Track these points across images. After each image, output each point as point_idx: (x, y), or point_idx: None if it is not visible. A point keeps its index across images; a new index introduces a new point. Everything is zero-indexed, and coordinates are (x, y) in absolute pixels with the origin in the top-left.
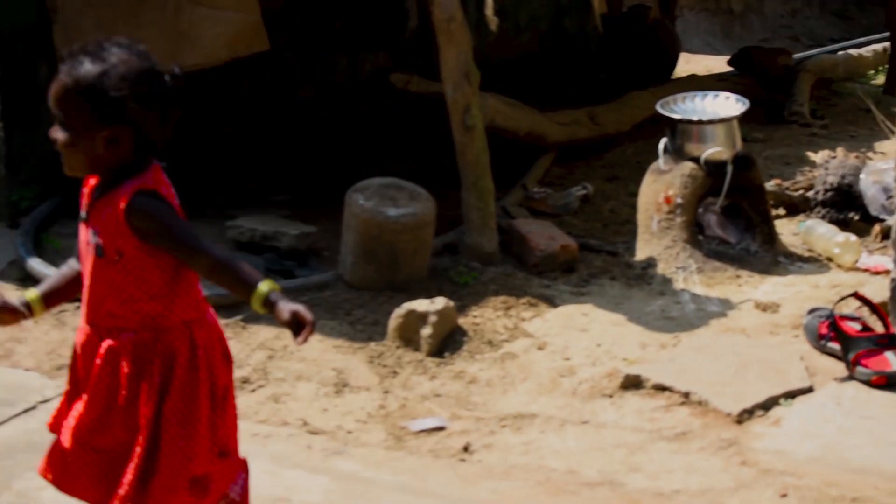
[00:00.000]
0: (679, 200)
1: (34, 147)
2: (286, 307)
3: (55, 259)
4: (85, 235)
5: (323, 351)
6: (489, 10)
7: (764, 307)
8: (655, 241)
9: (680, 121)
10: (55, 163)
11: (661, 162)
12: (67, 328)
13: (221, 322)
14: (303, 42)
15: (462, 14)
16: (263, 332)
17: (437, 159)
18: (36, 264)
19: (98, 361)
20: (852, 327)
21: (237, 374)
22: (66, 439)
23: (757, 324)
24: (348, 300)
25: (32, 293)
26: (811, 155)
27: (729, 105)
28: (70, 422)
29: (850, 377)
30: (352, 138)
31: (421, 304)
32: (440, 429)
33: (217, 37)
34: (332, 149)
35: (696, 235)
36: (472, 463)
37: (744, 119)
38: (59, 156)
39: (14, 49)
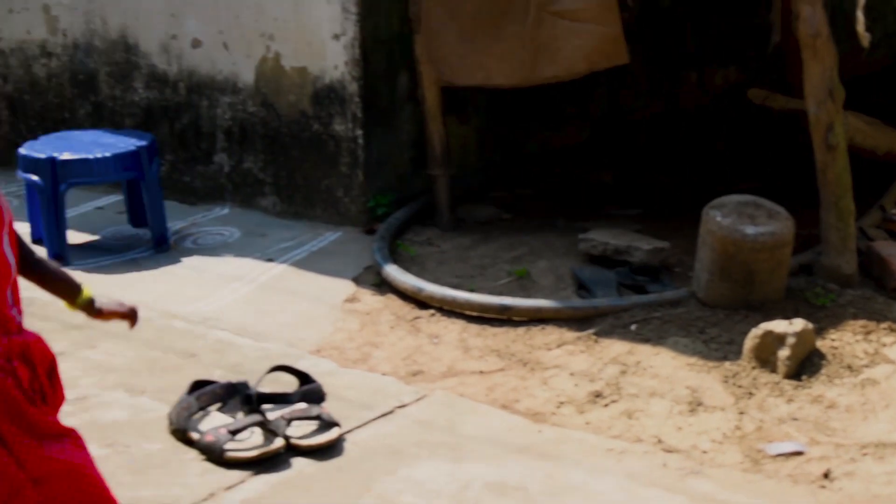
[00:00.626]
0: None
1: (391, 155)
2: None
3: (409, 265)
4: None
5: (676, 368)
6: (860, 25)
7: None
8: None
9: None
10: (411, 171)
11: None
12: (422, 335)
13: (573, 335)
14: (653, 56)
15: (828, 30)
16: (616, 347)
17: (789, 176)
18: (392, 270)
19: None
20: None
21: (589, 387)
22: None
23: None
24: (702, 318)
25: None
26: None
27: None
28: None
29: None
30: (702, 153)
31: (779, 325)
32: (798, 453)
33: (577, 49)
34: (682, 163)
35: None
36: (833, 490)
37: None
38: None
39: (376, 58)
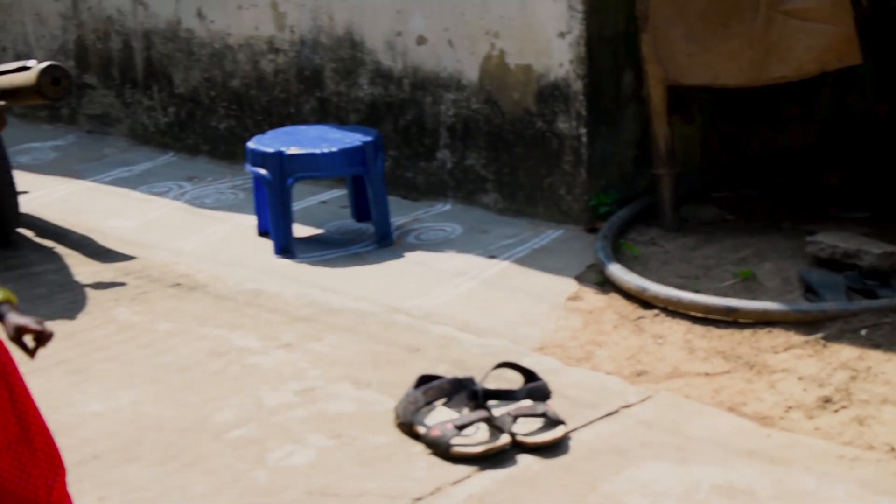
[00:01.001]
0: None
1: (614, 154)
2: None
3: (632, 265)
4: None
5: None
6: None
7: None
8: None
9: None
10: (634, 170)
11: None
12: (646, 335)
13: (801, 339)
14: (882, 56)
15: None
16: (845, 352)
17: None
18: (615, 270)
19: None
20: None
21: (818, 392)
22: None
23: None
24: None
25: None
26: None
27: None
28: None
29: None
30: None
31: None
32: None
33: (808, 49)
34: None
35: None
36: None
37: None
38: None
39: (601, 56)
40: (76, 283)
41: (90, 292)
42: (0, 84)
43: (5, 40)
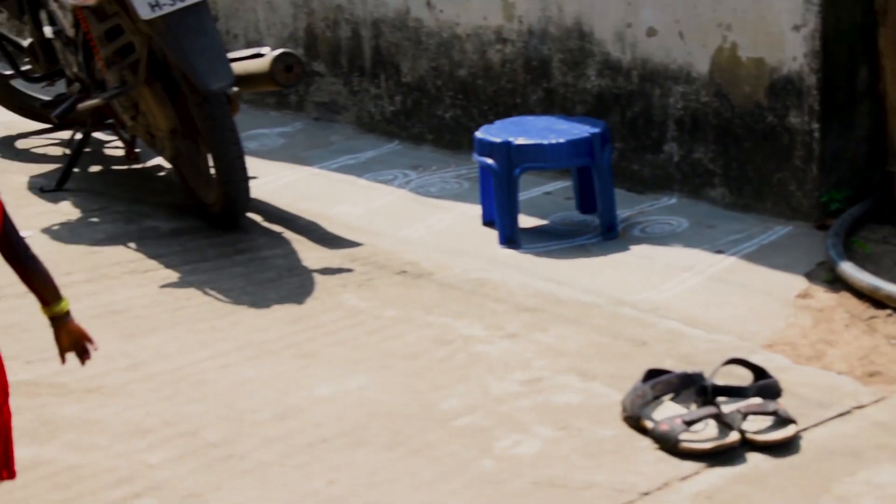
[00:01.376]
0: None
1: (847, 149)
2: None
3: (864, 263)
4: None
5: None
6: None
7: None
8: None
9: None
10: (867, 166)
11: None
12: (879, 335)
13: None
14: None
15: None
16: None
17: None
18: (847, 268)
19: None
20: None
21: None
22: None
23: None
24: None
25: None
26: None
27: None
28: None
29: None
30: None
31: None
32: None
33: None
34: None
35: None
36: None
37: None
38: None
39: (836, 50)
40: (304, 267)
41: (318, 277)
42: (235, 71)
43: (237, 28)
